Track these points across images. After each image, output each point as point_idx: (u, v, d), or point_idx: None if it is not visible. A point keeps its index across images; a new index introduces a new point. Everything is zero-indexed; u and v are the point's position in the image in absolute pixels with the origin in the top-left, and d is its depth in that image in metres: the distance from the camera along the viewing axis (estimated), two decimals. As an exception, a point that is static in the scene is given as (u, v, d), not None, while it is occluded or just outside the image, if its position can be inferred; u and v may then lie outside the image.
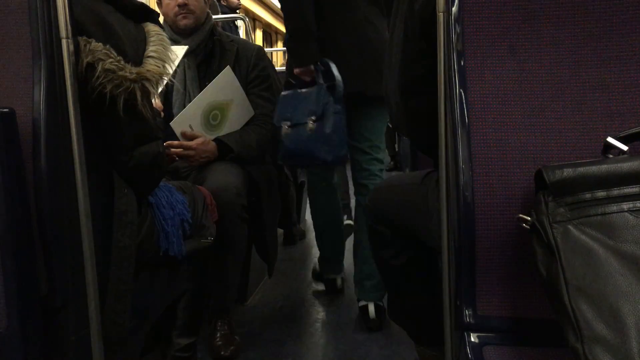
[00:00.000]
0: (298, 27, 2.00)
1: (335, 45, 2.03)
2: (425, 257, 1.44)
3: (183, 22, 2.13)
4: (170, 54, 1.25)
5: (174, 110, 2.10)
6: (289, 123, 2.05)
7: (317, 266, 2.64)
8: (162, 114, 2.06)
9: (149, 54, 1.20)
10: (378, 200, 1.52)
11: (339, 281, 2.53)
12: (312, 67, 2.02)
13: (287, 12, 2.03)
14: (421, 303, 1.46)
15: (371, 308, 2.15)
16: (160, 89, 1.27)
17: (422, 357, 1.60)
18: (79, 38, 1.07)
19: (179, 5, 2.11)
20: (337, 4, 2.04)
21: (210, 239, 1.61)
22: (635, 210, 0.77)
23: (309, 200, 2.47)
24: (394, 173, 5.54)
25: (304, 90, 2.05)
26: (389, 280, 1.56)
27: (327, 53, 2.02)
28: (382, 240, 1.49)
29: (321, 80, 1.99)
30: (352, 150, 2.19)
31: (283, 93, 2.15)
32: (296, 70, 2.08)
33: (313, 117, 1.96)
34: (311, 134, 1.95)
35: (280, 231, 3.40)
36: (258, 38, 11.57)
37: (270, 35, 13.79)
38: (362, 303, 2.20)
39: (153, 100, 1.21)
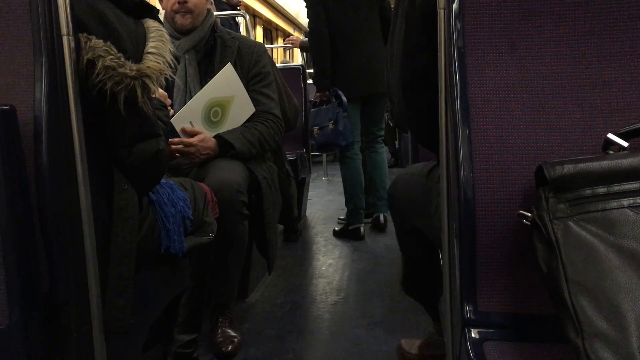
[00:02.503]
0: (320, 70, 3.38)
1: (350, 69, 3.36)
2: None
3: (180, 21, 2.12)
4: (170, 50, 1.25)
5: (175, 107, 2.10)
6: (317, 127, 3.48)
7: (337, 227, 3.72)
8: (171, 106, 2.06)
9: (149, 50, 1.20)
10: (395, 191, 1.54)
11: (362, 229, 3.54)
12: (327, 92, 3.42)
13: (314, 60, 3.42)
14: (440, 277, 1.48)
15: (382, 217, 3.62)
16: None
17: (438, 332, 1.61)
18: (80, 35, 1.07)
19: (179, 2, 2.10)
20: (349, 43, 3.35)
21: (211, 236, 1.61)
22: (636, 206, 0.77)
23: (341, 170, 3.62)
24: (394, 170, 5.54)
25: (324, 107, 3.46)
26: (409, 253, 1.57)
27: (344, 74, 3.37)
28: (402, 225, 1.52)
29: (333, 100, 3.40)
30: (367, 132, 3.61)
31: (312, 109, 3.59)
32: (317, 94, 3.51)
33: (332, 121, 3.36)
34: (331, 131, 3.38)
35: (280, 228, 3.40)
36: (258, 34, 11.54)
37: (270, 31, 13.77)
38: (375, 215, 3.66)
39: (156, 92, 1.21)
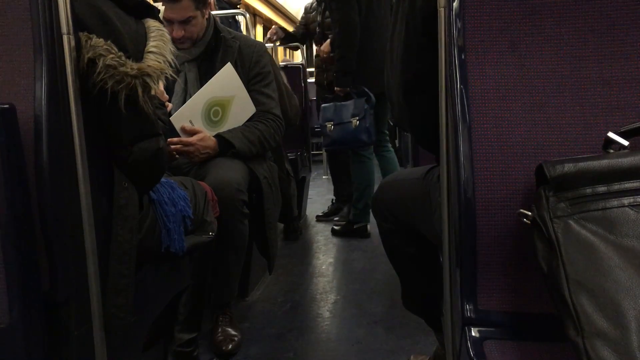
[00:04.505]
0: (347, 65, 3.23)
1: (373, 65, 3.23)
2: (434, 249, 1.45)
3: (181, 46, 2.09)
4: (171, 49, 1.25)
5: (172, 112, 2.09)
6: (332, 122, 3.37)
7: (335, 227, 3.68)
8: (169, 106, 2.04)
9: (150, 49, 1.20)
10: (383, 197, 1.53)
11: (368, 227, 3.54)
12: (348, 89, 3.31)
13: (342, 54, 3.22)
14: (435, 292, 1.47)
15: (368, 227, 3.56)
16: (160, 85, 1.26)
17: (441, 343, 1.61)
18: (80, 34, 1.07)
19: (177, 39, 2.06)
20: (372, 38, 3.25)
21: (212, 235, 1.61)
22: (636, 205, 0.77)
23: (355, 169, 3.52)
24: (394, 169, 5.54)
25: (341, 103, 3.34)
26: (403, 269, 1.57)
27: (368, 70, 3.25)
28: (392, 233, 1.51)
29: (355, 97, 3.30)
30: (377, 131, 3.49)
31: (324, 105, 3.45)
32: (338, 89, 3.34)
33: (357, 117, 3.27)
34: (355, 128, 3.28)
35: (280, 227, 3.40)
36: (258, 33, 11.53)
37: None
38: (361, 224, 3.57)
39: (155, 90, 1.21)
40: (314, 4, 3.98)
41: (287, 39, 4.42)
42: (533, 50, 0.97)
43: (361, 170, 3.51)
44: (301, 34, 4.28)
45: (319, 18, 3.74)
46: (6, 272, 0.94)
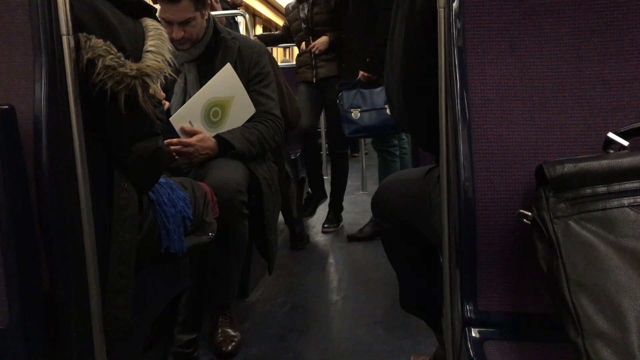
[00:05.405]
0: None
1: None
2: (433, 249, 1.45)
3: (181, 47, 2.09)
4: (169, 48, 1.25)
5: (172, 112, 2.09)
6: (359, 109, 3.16)
7: (359, 234, 3.44)
8: (166, 104, 2.03)
9: (148, 49, 1.20)
10: (383, 197, 1.53)
11: None
12: (372, 76, 3.16)
13: (384, 41, 3.06)
14: (435, 292, 1.47)
15: None
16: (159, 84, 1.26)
17: (441, 343, 1.61)
18: (80, 34, 1.07)
19: (176, 40, 2.06)
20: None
21: (211, 235, 1.61)
22: (636, 205, 0.77)
23: (387, 169, 3.39)
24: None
25: (368, 89, 3.16)
26: (402, 269, 1.57)
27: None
28: (392, 233, 1.51)
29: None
30: None
31: (347, 91, 3.22)
32: (366, 75, 3.17)
33: None
34: (389, 116, 3.03)
35: (285, 232, 3.39)
36: (258, 34, 11.56)
37: (270, 30, 13.80)
38: None
39: (153, 89, 1.21)
40: (294, 3, 3.91)
41: (274, 42, 4.38)
42: (533, 50, 0.97)
43: (396, 168, 3.40)
44: (287, 35, 4.22)
45: (302, 15, 3.60)
46: (6, 272, 0.94)
